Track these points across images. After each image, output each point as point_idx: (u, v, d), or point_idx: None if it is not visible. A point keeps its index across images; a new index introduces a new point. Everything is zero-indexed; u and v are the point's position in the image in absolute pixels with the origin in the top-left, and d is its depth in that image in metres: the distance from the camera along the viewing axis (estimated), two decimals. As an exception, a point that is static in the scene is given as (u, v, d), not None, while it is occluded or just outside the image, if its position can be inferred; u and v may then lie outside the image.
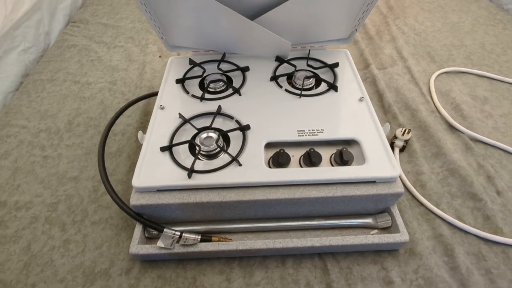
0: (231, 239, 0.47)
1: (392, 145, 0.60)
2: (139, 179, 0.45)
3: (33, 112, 0.73)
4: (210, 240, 0.47)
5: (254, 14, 0.55)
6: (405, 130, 0.59)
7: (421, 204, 0.53)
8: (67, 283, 0.46)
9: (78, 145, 0.65)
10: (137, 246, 0.45)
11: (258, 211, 0.48)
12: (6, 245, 0.50)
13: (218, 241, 0.47)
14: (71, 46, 0.92)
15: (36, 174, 0.60)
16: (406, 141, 0.60)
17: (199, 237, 0.46)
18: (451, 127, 0.65)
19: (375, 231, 0.49)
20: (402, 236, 0.45)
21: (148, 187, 0.45)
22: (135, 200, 0.45)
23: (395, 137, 0.60)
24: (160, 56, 0.88)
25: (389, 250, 0.47)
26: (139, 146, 0.64)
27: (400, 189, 0.45)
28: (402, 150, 0.61)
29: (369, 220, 0.49)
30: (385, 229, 0.49)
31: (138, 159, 0.47)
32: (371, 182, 0.46)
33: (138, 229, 0.47)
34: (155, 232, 0.48)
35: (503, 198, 0.53)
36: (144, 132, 0.52)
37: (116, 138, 0.66)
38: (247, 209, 0.47)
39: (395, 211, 0.48)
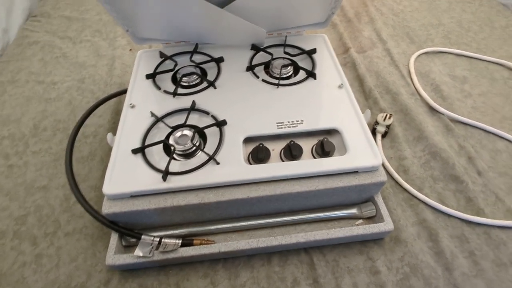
0: (213, 241, 0.46)
1: (374, 131, 0.59)
2: (110, 186, 0.42)
3: (-6, 118, 0.67)
4: (191, 244, 0.45)
5: (224, 1, 0.52)
6: (386, 115, 0.58)
7: (405, 190, 0.52)
8: (42, 301, 0.43)
9: (45, 151, 0.61)
10: (114, 257, 0.43)
11: (240, 210, 0.46)
12: (-29, 265, 0.47)
13: (200, 244, 0.45)
14: (33, 43, 0.85)
15: (1, 185, 0.56)
16: (388, 126, 0.59)
17: (180, 241, 0.44)
18: (432, 109, 0.64)
19: (360, 221, 0.48)
20: (386, 225, 0.45)
21: (120, 193, 0.42)
22: (107, 208, 0.42)
23: (377, 122, 0.59)
24: (130, 50, 0.83)
25: (375, 239, 0.47)
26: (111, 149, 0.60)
27: (383, 177, 0.44)
28: (384, 135, 0.60)
29: (353, 211, 0.48)
30: (370, 218, 0.48)
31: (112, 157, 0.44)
32: (354, 172, 0.44)
33: (114, 238, 0.45)
34: (133, 240, 0.45)
35: (484, 178, 0.53)
36: (114, 134, 0.49)
37: (88, 140, 0.62)
38: (228, 209, 0.46)
39: (379, 200, 0.48)
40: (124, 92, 0.63)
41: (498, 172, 0.55)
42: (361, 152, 0.44)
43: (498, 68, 0.73)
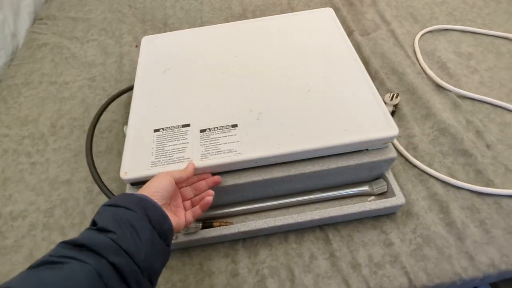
0: (232, 223, 0.48)
1: (382, 112, 0.60)
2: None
3: (13, 119, 0.70)
4: (211, 226, 0.47)
5: None
6: (393, 95, 0.59)
7: (414, 166, 0.54)
8: None
9: (65, 147, 0.64)
10: (140, 241, 0.45)
11: (256, 192, 0.48)
12: (7, 256, 0.50)
13: (220, 226, 0.47)
14: (42, 45, 0.87)
15: (26, 182, 0.59)
16: (395, 106, 0.60)
17: (200, 224, 0.47)
18: (439, 87, 0.65)
19: (372, 197, 0.50)
20: (398, 199, 0.46)
21: (140, 177, 0.44)
22: (130, 195, 0.45)
23: (384, 103, 0.60)
24: (136, 46, 0.84)
25: (387, 214, 0.48)
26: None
27: (393, 154, 0.46)
28: (392, 115, 0.61)
29: (365, 188, 0.50)
30: (381, 195, 0.50)
31: (123, 151, 0.46)
32: (364, 150, 0.46)
33: (138, 224, 0.47)
34: (156, 225, 0.48)
35: (493, 151, 0.54)
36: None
37: (104, 135, 0.65)
38: (244, 192, 0.48)
39: (390, 176, 0.49)
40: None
41: (507, 144, 0.55)
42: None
43: (504, 42, 0.73)
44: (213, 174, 0.45)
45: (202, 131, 0.47)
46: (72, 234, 0.51)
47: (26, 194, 0.57)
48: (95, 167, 0.50)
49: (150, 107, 0.51)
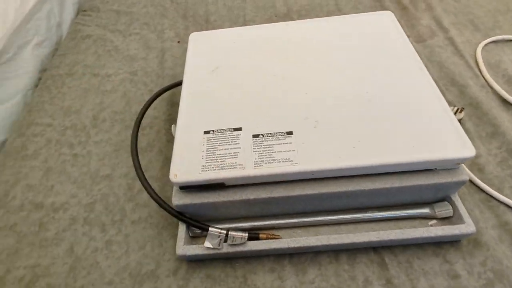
0: (279, 236, 0.45)
1: (442, 126, 0.55)
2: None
3: (57, 109, 0.70)
4: (257, 238, 0.44)
5: None
6: (457, 109, 0.54)
7: (481, 190, 0.49)
8: (116, 286, 0.45)
9: (106, 141, 0.63)
10: (183, 247, 0.43)
11: (307, 205, 0.45)
12: (48, 248, 0.49)
13: (266, 238, 0.44)
14: (86, 36, 0.88)
15: (68, 173, 0.58)
16: (459, 121, 0.55)
17: (246, 235, 0.44)
18: (506, 103, 0.59)
19: (434, 221, 0.45)
20: (468, 227, 0.42)
21: (191, 181, 0.41)
22: (178, 199, 0.43)
23: (446, 117, 0.55)
24: (178, 42, 0.83)
25: (451, 242, 0.44)
26: (169, 140, 0.61)
27: (465, 176, 0.41)
28: (453, 131, 0.56)
29: (425, 210, 0.45)
30: (444, 219, 0.45)
31: (173, 152, 0.44)
32: (432, 169, 0.42)
33: (182, 228, 0.45)
34: (198, 231, 0.46)
35: None
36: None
37: (144, 132, 0.64)
38: (295, 204, 0.45)
39: (457, 200, 0.44)
40: (178, 84, 0.64)
41: None
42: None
43: None
44: (266, 183, 0.42)
45: (255, 136, 0.44)
46: (112, 231, 0.50)
47: (67, 186, 0.57)
48: (140, 167, 0.48)
49: (199, 107, 0.49)
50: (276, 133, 0.44)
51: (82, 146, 0.63)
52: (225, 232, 0.44)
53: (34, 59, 0.83)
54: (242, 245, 0.43)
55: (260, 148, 0.43)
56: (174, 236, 0.47)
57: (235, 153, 0.43)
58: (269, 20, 0.88)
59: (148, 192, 0.45)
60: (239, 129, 0.45)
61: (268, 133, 0.44)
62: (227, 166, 0.41)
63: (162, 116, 0.65)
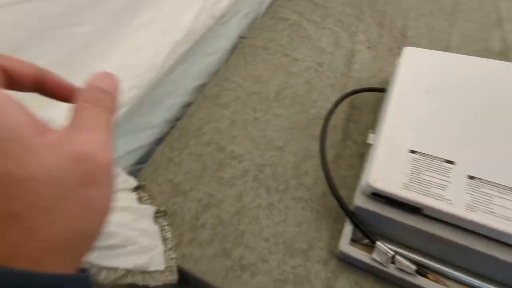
0: (449, 286, 0.41)
1: None
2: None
3: (248, 74, 0.81)
4: (425, 276, 0.42)
5: None
6: None
7: None
8: (270, 245, 0.50)
9: (284, 117, 0.69)
10: (348, 246, 0.45)
11: (497, 273, 0.40)
12: (222, 186, 0.58)
13: (435, 281, 0.41)
14: (283, 19, 0.97)
15: (248, 132, 0.67)
16: None
17: (414, 267, 0.42)
18: None
19: None
20: None
21: (389, 193, 0.42)
22: (361, 202, 0.44)
23: None
24: (368, 48, 0.83)
25: None
26: (344, 138, 0.63)
27: None
28: None
29: None
30: None
31: (373, 158, 0.44)
32: None
33: (349, 228, 0.46)
34: (362, 236, 0.46)
35: None
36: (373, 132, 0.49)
37: (319, 122, 0.67)
38: (482, 265, 0.40)
39: None
40: (378, 90, 0.64)
41: None
42: None
43: None
44: (478, 233, 0.38)
45: (470, 177, 0.40)
46: (275, 197, 0.56)
47: (246, 142, 0.65)
48: (325, 156, 0.51)
49: (407, 123, 0.48)
50: (501, 185, 0.39)
51: (263, 113, 0.71)
52: (392, 253, 0.43)
53: (239, 27, 0.97)
54: (407, 274, 0.42)
55: (476, 192, 0.39)
56: (331, 228, 0.49)
57: (443, 185, 0.40)
58: (477, 54, 0.78)
59: (329, 183, 0.48)
60: (452, 162, 0.42)
61: (488, 181, 0.40)
62: (432, 194, 0.40)
63: (342, 114, 0.67)
